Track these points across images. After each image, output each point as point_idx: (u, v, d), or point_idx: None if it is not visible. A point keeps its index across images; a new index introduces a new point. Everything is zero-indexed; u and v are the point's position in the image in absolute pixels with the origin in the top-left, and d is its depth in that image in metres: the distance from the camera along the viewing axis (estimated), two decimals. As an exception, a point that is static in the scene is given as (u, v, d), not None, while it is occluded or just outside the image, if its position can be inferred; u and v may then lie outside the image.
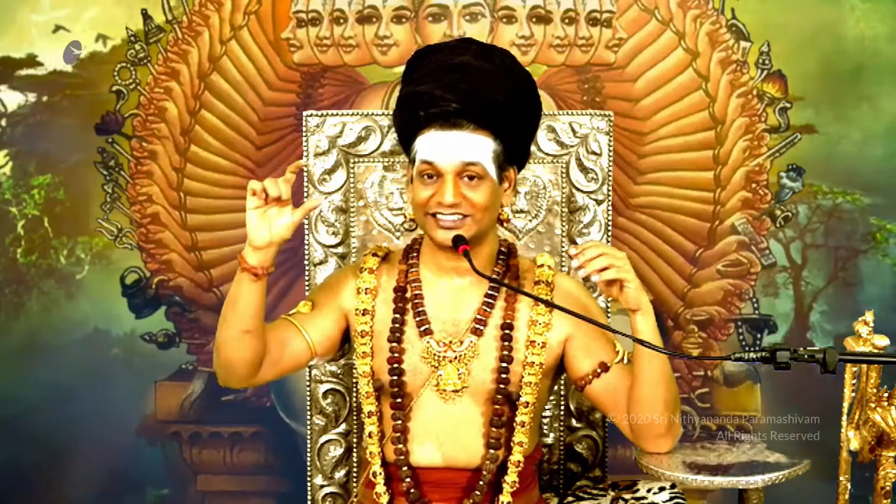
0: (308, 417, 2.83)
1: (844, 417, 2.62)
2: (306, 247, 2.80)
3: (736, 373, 3.77)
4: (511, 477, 2.39)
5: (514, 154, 2.38)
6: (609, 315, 2.75)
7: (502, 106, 2.31)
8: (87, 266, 3.81)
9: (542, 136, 2.77)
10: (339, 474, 2.84)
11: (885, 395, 2.58)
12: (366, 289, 2.43)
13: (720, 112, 3.69)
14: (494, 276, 2.39)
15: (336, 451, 2.83)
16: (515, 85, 2.35)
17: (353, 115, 2.81)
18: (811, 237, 3.74)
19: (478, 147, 2.30)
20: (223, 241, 3.76)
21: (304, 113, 2.80)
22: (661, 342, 2.33)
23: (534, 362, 2.38)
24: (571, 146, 2.78)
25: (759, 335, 3.75)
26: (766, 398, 3.76)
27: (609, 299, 2.77)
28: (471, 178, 2.30)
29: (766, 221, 3.72)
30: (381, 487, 2.42)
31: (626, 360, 2.41)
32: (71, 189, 3.79)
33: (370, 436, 2.43)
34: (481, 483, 2.38)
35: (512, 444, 2.39)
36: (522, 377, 2.38)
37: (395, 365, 2.39)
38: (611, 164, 2.78)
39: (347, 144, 2.79)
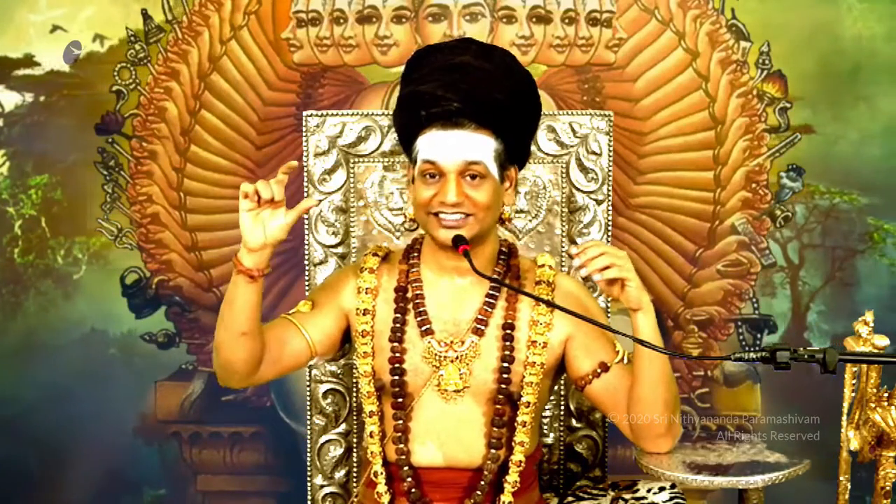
0: (308, 417, 2.83)
1: (844, 417, 2.61)
2: (306, 247, 2.80)
3: (736, 373, 3.77)
4: (512, 477, 2.39)
5: (514, 153, 2.38)
6: (609, 315, 2.75)
7: (503, 105, 2.31)
8: (85, 266, 3.81)
9: (542, 136, 2.77)
10: (339, 474, 2.84)
11: (885, 395, 2.58)
12: (366, 288, 2.43)
13: (720, 112, 3.69)
14: (495, 277, 2.39)
15: (336, 451, 2.83)
16: (516, 84, 2.36)
17: (353, 115, 2.81)
18: (808, 237, 3.74)
19: (480, 146, 2.30)
20: (223, 241, 3.76)
21: (304, 113, 2.80)
22: (662, 342, 2.33)
23: (535, 362, 2.38)
24: (571, 146, 2.78)
25: (759, 335, 3.75)
26: (766, 398, 3.76)
27: (609, 299, 2.77)
28: (473, 177, 2.31)
29: (766, 221, 3.72)
30: (382, 487, 2.42)
31: (626, 360, 2.41)
32: (68, 189, 3.79)
33: (371, 436, 2.43)
34: (482, 483, 2.38)
35: (513, 443, 2.39)
36: (524, 377, 2.38)
37: (397, 365, 2.39)
38: (611, 164, 2.78)
39: (347, 144, 2.79)
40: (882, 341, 2.55)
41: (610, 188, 2.79)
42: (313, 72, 3.73)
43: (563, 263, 2.79)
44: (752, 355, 2.05)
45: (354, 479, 2.82)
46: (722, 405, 3.78)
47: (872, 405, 2.57)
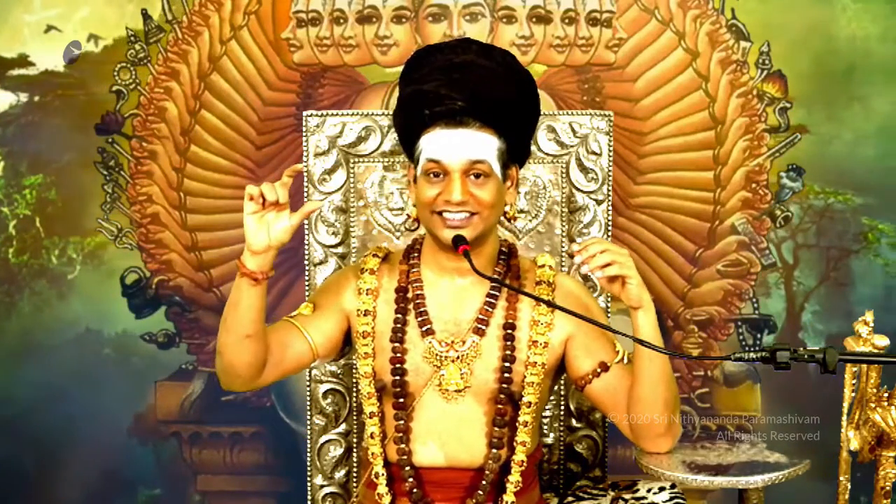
0: (308, 417, 2.83)
1: (844, 417, 2.61)
2: (306, 247, 2.80)
3: (736, 373, 3.77)
4: (514, 476, 2.39)
5: (516, 152, 2.39)
6: (609, 315, 2.75)
7: (507, 104, 2.32)
8: (79, 266, 3.81)
9: (542, 136, 2.77)
10: (339, 474, 2.84)
11: (885, 395, 2.58)
12: (367, 289, 2.43)
13: (720, 112, 3.69)
14: (496, 277, 2.39)
15: (336, 451, 2.83)
16: (518, 83, 2.36)
17: (353, 115, 2.81)
18: (803, 237, 3.74)
19: (484, 145, 2.30)
20: (223, 241, 3.76)
21: (304, 113, 2.80)
22: (662, 340, 2.33)
23: (536, 362, 2.38)
24: (571, 146, 2.78)
25: (759, 335, 3.75)
26: (766, 398, 3.76)
27: (609, 299, 2.78)
28: (477, 176, 2.31)
29: (766, 221, 3.72)
30: (383, 488, 2.42)
31: (625, 360, 2.41)
32: (62, 189, 3.79)
33: (372, 436, 2.43)
34: (484, 483, 2.38)
35: (515, 443, 2.39)
36: (525, 377, 2.38)
37: (398, 365, 2.39)
38: (611, 164, 2.78)
39: (347, 144, 2.79)
40: (882, 341, 2.56)
41: (610, 188, 2.79)
42: (313, 72, 3.73)
43: (563, 263, 2.79)
44: (752, 355, 2.05)
45: (354, 479, 2.82)
46: (722, 405, 3.78)
47: (872, 405, 2.57)
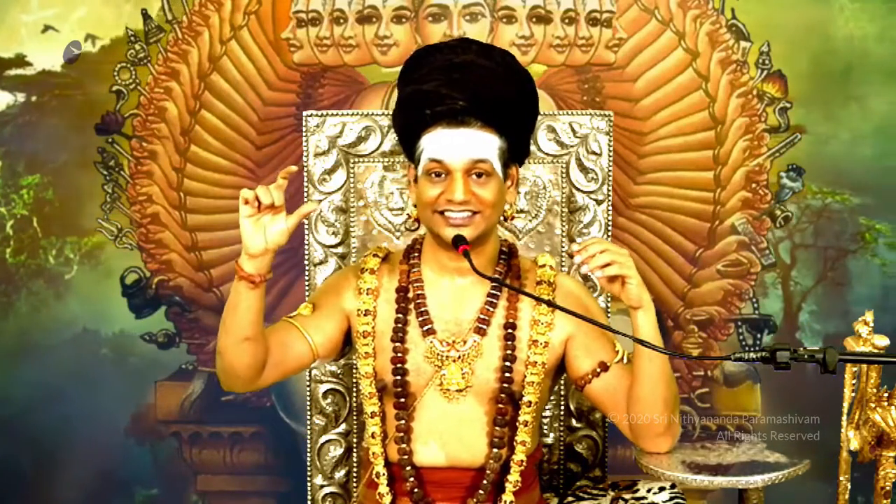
0: (308, 417, 2.83)
1: (844, 417, 2.61)
2: (306, 247, 2.80)
3: (736, 373, 3.77)
4: (514, 476, 2.39)
5: (516, 151, 2.39)
6: (609, 315, 2.75)
7: (507, 103, 2.33)
8: (76, 266, 3.81)
9: (542, 136, 2.77)
10: (339, 474, 2.84)
11: (885, 395, 2.58)
12: (367, 289, 2.43)
13: (720, 112, 3.69)
14: (496, 276, 2.39)
15: (336, 451, 2.83)
16: (519, 83, 2.37)
17: (353, 115, 2.81)
18: (800, 237, 3.74)
19: (485, 144, 2.31)
20: (223, 241, 3.76)
21: (304, 113, 2.80)
22: (662, 340, 2.33)
23: (536, 362, 2.38)
24: (571, 146, 2.78)
25: (759, 335, 3.75)
26: (766, 398, 3.76)
27: (609, 299, 2.78)
28: (479, 175, 2.31)
29: (766, 221, 3.72)
30: (384, 488, 2.42)
31: (625, 360, 2.41)
32: (60, 189, 3.79)
33: (373, 436, 2.43)
34: (485, 482, 2.39)
35: (515, 443, 2.40)
36: (525, 377, 2.38)
37: (399, 365, 2.39)
38: (611, 164, 2.78)
39: (347, 144, 2.79)
40: (882, 341, 2.55)
41: (610, 188, 2.79)
42: (313, 72, 3.73)
43: (563, 263, 2.79)
44: (752, 355, 2.05)
45: (354, 479, 2.82)
46: (722, 405, 3.78)
47: (872, 405, 2.57)
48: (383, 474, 2.42)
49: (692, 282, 3.75)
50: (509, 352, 2.38)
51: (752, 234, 3.72)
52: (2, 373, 3.82)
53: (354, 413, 2.81)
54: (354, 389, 2.79)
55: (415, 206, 2.42)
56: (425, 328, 2.39)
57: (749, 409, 3.77)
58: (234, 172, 3.75)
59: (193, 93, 3.73)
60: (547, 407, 2.78)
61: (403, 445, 2.40)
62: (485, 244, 2.38)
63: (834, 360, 2.01)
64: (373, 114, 2.80)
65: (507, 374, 2.38)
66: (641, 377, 2.33)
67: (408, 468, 2.40)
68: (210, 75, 3.73)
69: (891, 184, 3.70)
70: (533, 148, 2.71)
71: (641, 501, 2.49)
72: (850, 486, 2.64)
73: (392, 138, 2.75)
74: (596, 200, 2.78)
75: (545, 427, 2.82)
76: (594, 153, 2.77)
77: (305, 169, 2.77)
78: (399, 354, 2.40)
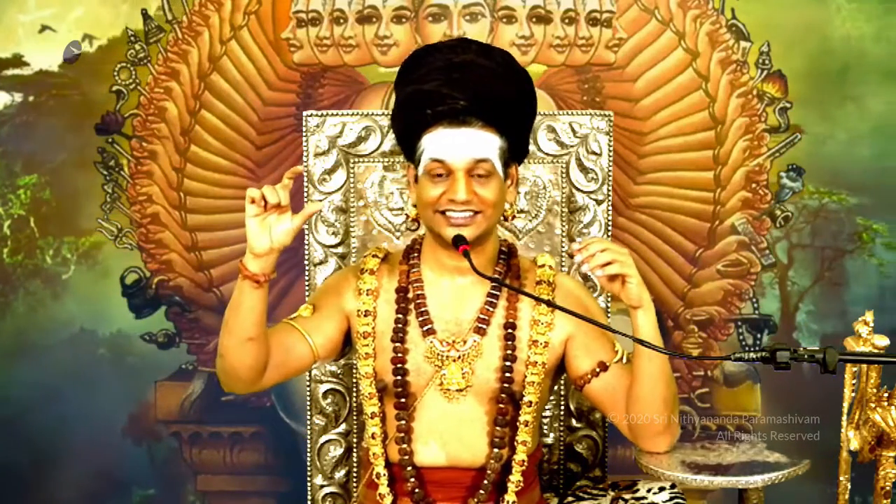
0: (308, 417, 2.83)
1: (844, 417, 2.61)
2: (306, 247, 2.80)
3: (736, 373, 3.77)
4: (515, 476, 2.39)
5: (516, 151, 2.40)
6: (609, 315, 2.75)
7: (507, 103, 2.33)
8: (73, 266, 3.81)
9: (542, 136, 2.77)
10: (339, 474, 2.84)
11: (885, 395, 2.58)
12: (367, 290, 2.43)
13: (720, 112, 3.69)
14: (496, 276, 2.39)
15: (336, 451, 2.83)
16: (519, 83, 2.37)
17: (353, 115, 2.81)
18: (797, 237, 3.74)
19: (486, 144, 2.31)
20: (223, 241, 3.76)
21: (304, 113, 2.80)
22: (662, 340, 2.33)
23: (536, 361, 2.38)
24: (571, 146, 2.78)
25: (759, 335, 3.75)
26: (766, 398, 3.76)
27: (609, 299, 2.78)
28: (480, 175, 2.31)
29: (766, 221, 3.72)
30: (384, 489, 2.42)
31: (625, 360, 2.41)
32: (57, 189, 3.79)
33: (373, 437, 2.43)
34: (486, 482, 2.39)
35: (516, 443, 2.40)
36: (525, 376, 2.38)
37: (399, 365, 2.39)
38: (611, 164, 2.78)
39: (347, 144, 2.79)
40: (882, 341, 2.55)
41: (610, 188, 2.79)
42: (313, 72, 3.73)
43: (563, 263, 2.79)
44: (752, 355, 2.05)
45: (354, 479, 2.82)
46: (722, 405, 3.78)
47: (872, 405, 2.57)
48: (384, 475, 2.42)
49: (692, 282, 3.75)
50: (509, 352, 2.38)
51: (752, 234, 3.72)
52: (0, 373, 3.82)
53: (354, 413, 2.81)
54: (354, 389, 2.79)
55: (414, 206, 2.42)
56: (425, 328, 2.39)
57: (749, 409, 3.77)
58: (234, 172, 3.75)
59: (193, 93, 3.73)
60: (547, 407, 2.78)
61: (404, 446, 2.40)
62: (485, 244, 2.38)
63: (834, 360, 2.01)
64: (373, 114, 2.80)
65: (507, 374, 2.38)
66: (641, 377, 2.33)
67: (408, 468, 2.40)
68: (210, 75, 3.73)
69: (888, 184, 3.70)
70: (533, 148, 2.71)
71: (641, 501, 2.49)
72: (849, 486, 2.64)
73: (392, 138, 2.75)
74: (596, 200, 2.78)
75: (545, 427, 2.82)
76: (594, 153, 2.77)
77: (305, 169, 2.77)
78: (399, 355, 2.40)
